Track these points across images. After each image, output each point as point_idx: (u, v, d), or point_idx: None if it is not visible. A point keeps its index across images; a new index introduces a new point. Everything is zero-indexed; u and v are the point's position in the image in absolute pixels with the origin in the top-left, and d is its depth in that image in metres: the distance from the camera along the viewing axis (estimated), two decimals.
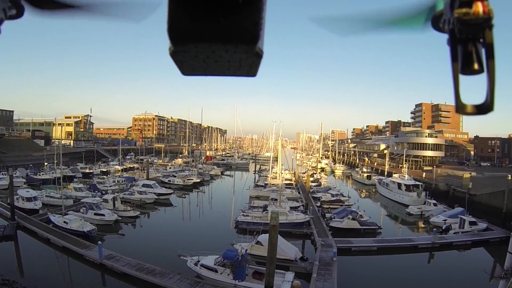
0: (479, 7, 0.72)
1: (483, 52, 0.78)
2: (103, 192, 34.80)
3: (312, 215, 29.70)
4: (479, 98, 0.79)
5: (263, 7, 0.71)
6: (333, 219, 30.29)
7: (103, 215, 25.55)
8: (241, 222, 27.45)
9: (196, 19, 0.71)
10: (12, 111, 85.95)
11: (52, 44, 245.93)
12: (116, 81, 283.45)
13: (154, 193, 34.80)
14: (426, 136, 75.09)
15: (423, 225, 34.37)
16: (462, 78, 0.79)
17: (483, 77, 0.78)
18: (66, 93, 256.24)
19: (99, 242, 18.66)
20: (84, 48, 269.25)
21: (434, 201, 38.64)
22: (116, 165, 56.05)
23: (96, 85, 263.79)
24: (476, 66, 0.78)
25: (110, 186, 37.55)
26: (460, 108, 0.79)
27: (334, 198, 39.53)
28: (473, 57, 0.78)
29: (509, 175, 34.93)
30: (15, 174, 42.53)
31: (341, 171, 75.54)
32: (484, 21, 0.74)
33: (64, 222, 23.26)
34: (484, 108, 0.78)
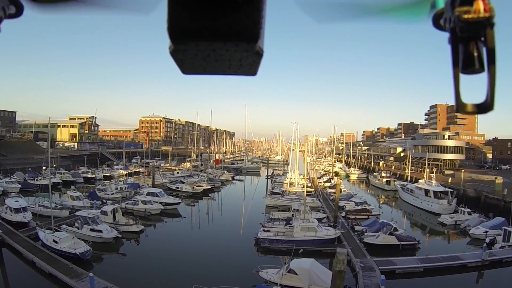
0: (480, 5, 0.72)
1: (484, 51, 0.77)
2: (104, 200, 31.03)
3: (342, 230, 25.73)
4: (479, 97, 0.77)
5: (263, 6, 0.72)
6: (365, 233, 26.38)
7: (100, 231, 21.67)
8: (262, 239, 23.42)
9: (196, 17, 0.71)
10: (15, 112, 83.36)
11: (58, 45, 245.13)
12: (123, 83, 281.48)
13: (160, 202, 30.80)
14: (446, 138, 70.92)
15: (462, 238, 30.75)
16: (462, 77, 0.78)
17: (482, 76, 0.77)
18: (72, 95, 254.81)
19: (91, 274, 14.66)
20: (90, 50, 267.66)
21: (468, 210, 34.97)
22: (121, 169, 52.33)
23: (102, 87, 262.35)
24: (477, 65, 0.77)
25: (112, 194, 33.72)
26: (461, 107, 0.79)
27: (359, 207, 35.52)
28: (474, 56, 0.77)
29: None
30: (12, 178, 39.20)
31: (356, 176, 71.49)
32: (485, 19, 0.73)
33: (54, 241, 19.43)
34: (485, 107, 0.78)
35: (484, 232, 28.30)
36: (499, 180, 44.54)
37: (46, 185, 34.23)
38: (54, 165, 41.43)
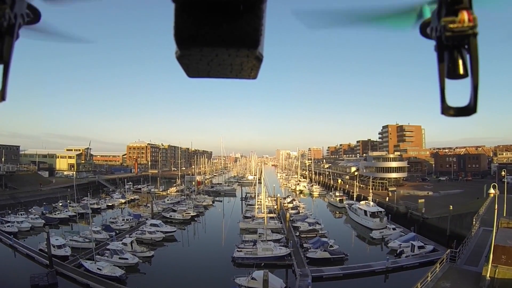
0: (464, 16, 0.80)
1: (467, 57, 0.85)
2: (116, 231, 40.58)
3: (292, 248, 36.89)
4: (463, 100, 0.87)
5: (263, 14, 0.79)
6: (309, 250, 37.29)
7: (127, 259, 31.49)
8: (236, 257, 34.25)
9: (200, 24, 0.77)
10: (18, 146, 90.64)
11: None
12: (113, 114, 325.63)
13: (161, 231, 41.07)
14: (390, 161, 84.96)
15: (385, 249, 41.47)
16: (447, 82, 0.88)
17: (466, 81, 0.86)
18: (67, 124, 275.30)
19: None
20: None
21: (394, 226, 46.48)
22: (119, 198, 61.70)
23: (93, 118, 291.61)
24: (461, 71, 0.86)
25: (122, 225, 43.31)
26: (446, 110, 0.87)
27: (311, 227, 46.58)
28: (458, 63, 0.86)
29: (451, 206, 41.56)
30: (30, 213, 47.29)
31: (318, 193, 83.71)
32: (469, 28, 0.80)
33: (98, 268, 28.86)
34: (468, 110, 0.86)
35: (398, 245, 36.80)
36: (421, 200, 57.12)
37: (64, 218, 43.60)
38: (69, 201, 50.60)
